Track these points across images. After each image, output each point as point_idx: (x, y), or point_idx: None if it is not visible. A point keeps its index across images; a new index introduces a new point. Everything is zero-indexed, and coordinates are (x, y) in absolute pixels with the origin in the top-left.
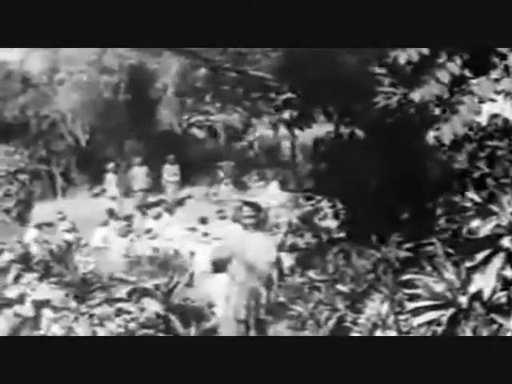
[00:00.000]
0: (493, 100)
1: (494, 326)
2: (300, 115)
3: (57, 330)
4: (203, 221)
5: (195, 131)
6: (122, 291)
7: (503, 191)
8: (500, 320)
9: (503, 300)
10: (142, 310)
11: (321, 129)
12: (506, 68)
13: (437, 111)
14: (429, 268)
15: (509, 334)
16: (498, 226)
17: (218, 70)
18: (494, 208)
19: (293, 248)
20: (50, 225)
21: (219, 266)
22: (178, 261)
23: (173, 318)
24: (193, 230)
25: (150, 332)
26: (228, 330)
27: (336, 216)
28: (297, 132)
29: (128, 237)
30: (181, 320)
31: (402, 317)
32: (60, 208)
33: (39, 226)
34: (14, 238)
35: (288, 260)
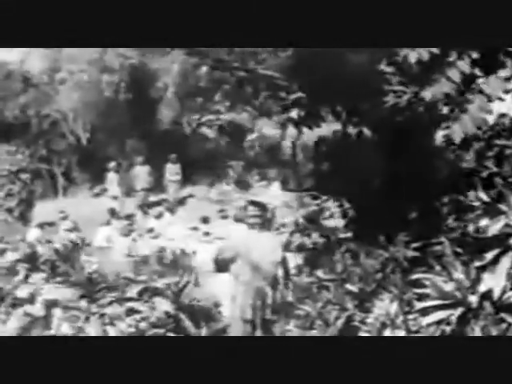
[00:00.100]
0: (501, 99)
1: (504, 325)
2: (308, 114)
3: (67, 330)
4: (205, 220)
5: (205, 130)
6: (132, 291)
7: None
8: (509, 319)
9: None
10: (153, 309)
11: (329, 128)
12: None
13: (445, 110)
14: (438, 267)
15: None
16: (506, 225)
17: (226, 69)
18: (503, 207)
19: (300, 248)
20: (51, 224)
21: (222, 266)
22: (186, 260)
23: (183, 317)
24: (195, 229)
25: (161, 331)
26: (235, 329)
27: (344, 216)
28: (297, 131)
29: (130, 236)
30: (191, 320)
31: (410, 316)
32: (61, 207)
33: (41, 226)
34: (17, 238)
35: (295, 260)
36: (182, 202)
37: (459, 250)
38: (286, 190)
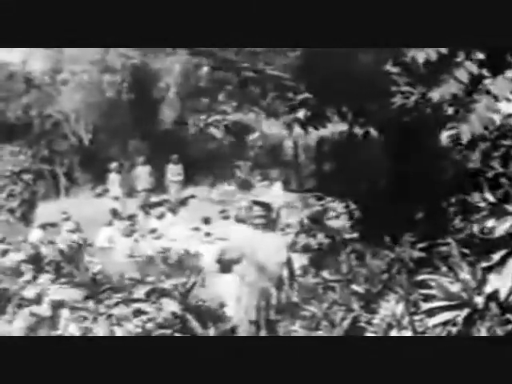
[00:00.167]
0: (509, 100)
1: (510, 326)
2: (315, 115)
3: (74, 330)
4: (206, 221)
5: (212, 130)
6: (139, 292)
7: None
8: None
9: None
10: (160, 309)
11: (334, 128)
12: None
13: (450, 111)
14: (444, 268)
15: None
16: None
17: (232, 69)
18: (509, 208)
19: (305, 248)
20: (54, 225)
21: (225, 266)
22: (193, 261)
23: (190, 318)
24: (197, 229)
25: (168, 332)
26: (241, 329)
27: (350, 216)
28: (299, 131)
29: (133, 237)
30: (198, 320)
31: (417, 317)
32: (63, 208)
33: (43, 227)
34: (19, 238)
35: (300, 260)
36: (183, 202)
37: (466, 250)
38: (287, 190)
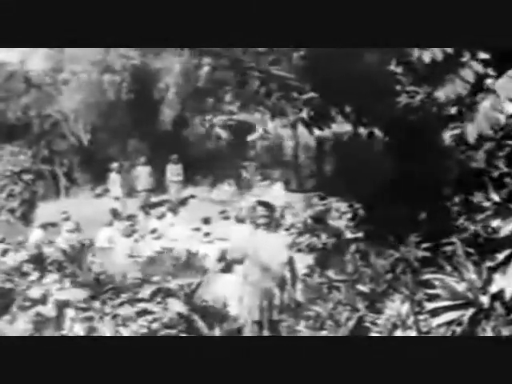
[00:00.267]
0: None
1: None
2: (320, 115)
3: (79, 330)
4: (206, 221)
5: (219, 130)
6: (144, 292)
7: None
8: None
9: None
10: (165, 309)
11: (336, 128)
12: None
13: (453, 110)
14: (449, 268)
15: None
16: None
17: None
18: None
19: (310, 248)
20: (54, 225)
21: (227, 266)
22: (198, 261)
23: (196, 318)
24: (197, 230)
25: (173, 332)
26: (246, 329)
27: (354, 216)
28: (300, 131)
29: (132, 237)
30: (204, 320)
31: (421, 317)
32: (63, 208)
33: (44, 227)
34: (19, 238)
35: (305, 260)
36: (183, 202)
37: (471, 250)
38: (288, 190)
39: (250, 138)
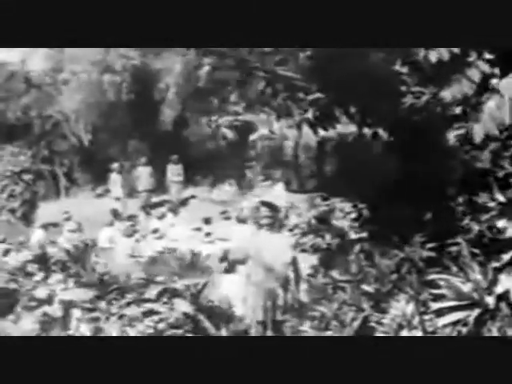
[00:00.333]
0: None
1: None
2: (325, 115)
3: (85, 331)
4: (207, 221)
5: (225, 131)
6: (151, 292)
7: None
8: None
9: None
10: (172, 310)
11: (344, 129)
12: None
13: (457, 110)
14: (454, 268)
15: None
16: None
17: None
18: None
19: (314, 248)
20: (55, 225)
21: (230, 266)
22: (204, 261)
23: (203, 318)
24: (198, 230)
25: (179, 332)
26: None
27: (358, 216)
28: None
29: (134, 237)
30: (210, 321)
31: (427, 317)
32: (64, 208)
33: (45, 227)
34: (20, 239)
35: (309, 260)
36: (184, 202)
37: (476, 250)
38: (289, 190)
39: (251, 137)
